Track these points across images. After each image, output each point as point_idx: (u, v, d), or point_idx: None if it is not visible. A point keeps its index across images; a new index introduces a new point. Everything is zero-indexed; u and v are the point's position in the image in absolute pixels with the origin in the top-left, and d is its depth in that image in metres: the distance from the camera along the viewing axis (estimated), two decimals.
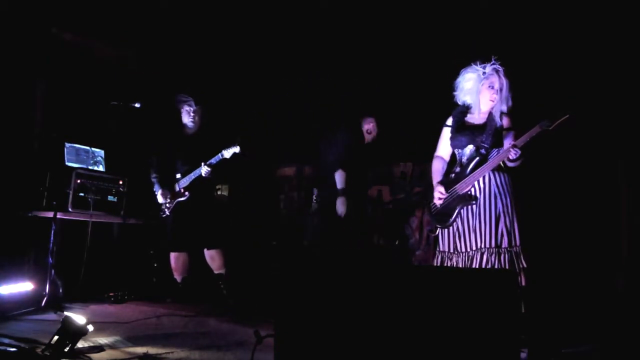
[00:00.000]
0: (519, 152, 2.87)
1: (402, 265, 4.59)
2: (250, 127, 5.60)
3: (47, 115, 4.77)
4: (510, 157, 2.91)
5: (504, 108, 3.08)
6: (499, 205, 2.99)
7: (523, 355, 2.62)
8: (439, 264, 3.14)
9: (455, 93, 3.18)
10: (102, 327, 3.20)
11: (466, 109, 3.18)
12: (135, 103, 4.55)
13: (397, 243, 4.94)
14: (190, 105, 4.51)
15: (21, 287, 3.77)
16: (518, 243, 2.97)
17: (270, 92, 5.68)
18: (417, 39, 4.70)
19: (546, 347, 2.82)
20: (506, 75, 3.06)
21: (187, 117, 4.53)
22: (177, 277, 4.53)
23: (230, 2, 5.02)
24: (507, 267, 2.88)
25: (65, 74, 4.92)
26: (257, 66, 5.56)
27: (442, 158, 3.32)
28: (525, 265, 2.92)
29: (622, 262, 4.10)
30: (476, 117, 3.15)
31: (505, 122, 3.09)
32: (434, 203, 3.19)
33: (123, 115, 4.80)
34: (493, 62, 3.07)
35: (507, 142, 3.01)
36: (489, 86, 3.06)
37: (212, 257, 4.45)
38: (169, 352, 2.75)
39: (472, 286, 1.81)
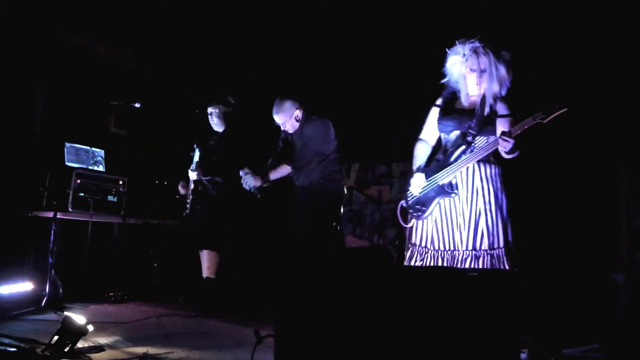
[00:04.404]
0: (512, 142, 2.53)
1: (402, 265, 4.58)
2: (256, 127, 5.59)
3: (47, 115, 4.77)
4: (503, 148, 2.58)
5: (497, 88, 2.75)
6: (479, 201, 2.71)
7: (523, 355, 2.62)
8: (409, 259, 2.85)
9: (444, 80, 2.92)
10: (102, 327, 3.20)
11: (457, 91, 2.91)
12: (135, 103, 4.54)
13: (397, 243, 4.93)
14: (212, 107, 4.46)
15: (21, 287, 3.77)
16: (502, 245, 2.67)
17: (271, 91, 5.67)
18: (416, 37, 4.69)
19: (546, 347, 2.81)
20: (490, 50, 2.73)
21: (210, 120, 4.48)
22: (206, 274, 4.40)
23: (231, 2, 5.02)
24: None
25: (65, 74, 4.92)
26: (257, 66, 5.56)
27: (425, 142, 3.01)
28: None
29: (622, 261, 4.10)
30: (466, 101, 2.87)
31: (500, 107, 2.77)
32: (411, 192, 2.90)
33: (123, 115, 4.80)
34: (472, 40, 2.77)
35: (501, 130, 2.65)
36: (470, 69, 2.77)
37: (204, 258, 4.36)
38: (169, 352, 2.75)
39: (473, 287, 1.81)
